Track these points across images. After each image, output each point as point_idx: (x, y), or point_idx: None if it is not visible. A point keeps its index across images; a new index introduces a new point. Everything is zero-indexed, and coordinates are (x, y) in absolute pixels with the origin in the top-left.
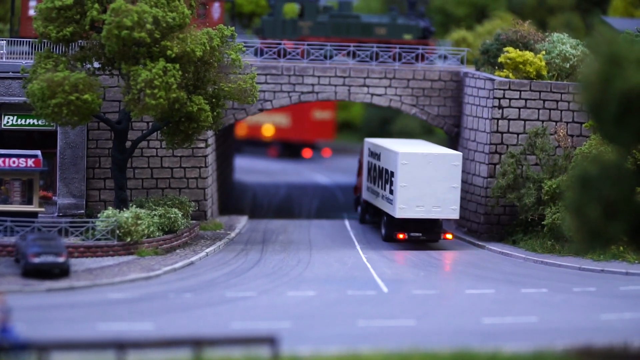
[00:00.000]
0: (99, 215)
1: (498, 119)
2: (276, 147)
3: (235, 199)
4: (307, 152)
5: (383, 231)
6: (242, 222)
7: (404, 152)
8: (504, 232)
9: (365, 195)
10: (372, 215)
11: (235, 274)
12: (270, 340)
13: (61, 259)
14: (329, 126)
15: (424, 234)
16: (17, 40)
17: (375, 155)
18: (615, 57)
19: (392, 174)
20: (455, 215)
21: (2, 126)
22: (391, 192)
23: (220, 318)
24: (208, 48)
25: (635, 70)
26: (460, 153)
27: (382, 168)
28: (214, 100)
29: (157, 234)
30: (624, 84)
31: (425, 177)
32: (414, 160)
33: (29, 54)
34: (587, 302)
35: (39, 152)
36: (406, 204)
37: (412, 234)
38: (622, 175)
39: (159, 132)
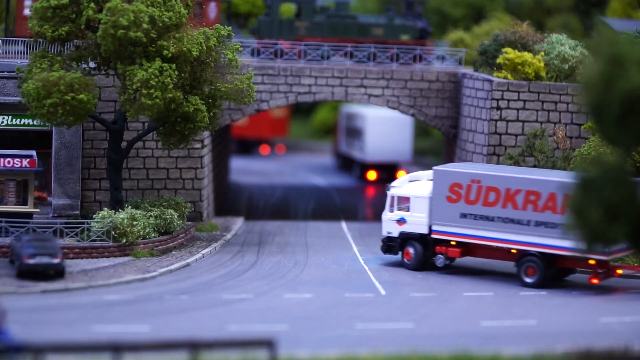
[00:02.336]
0: (94, 216)
1: (496, 121)
2: (232, 144)
3: (231, 200)
4: (264, 149)
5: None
6: (238, 223)
7: (372, 115)
8: None
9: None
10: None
11: (232, 276)
12: (267, 343)
13: (56, 260)
14: (284, 124)
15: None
16: (12, 40)
17: (350, 119)
18: (618, 58)
19: (362, 131)
20: (407, 159)
21: None
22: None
23: (216, 320)
24: (204, 48)
25: (637, 72)
26: (409, 117)
27: (355, 128)
28: (210, 100)
29: (153, 235)
30: (626, 85)
31: (385, 133)
32: (377, 121)
33: (24, 53)
34: (587, 305)
35: (34, 153)
36: (373, 151)
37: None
38: (623, 177)
39: (154, 132)
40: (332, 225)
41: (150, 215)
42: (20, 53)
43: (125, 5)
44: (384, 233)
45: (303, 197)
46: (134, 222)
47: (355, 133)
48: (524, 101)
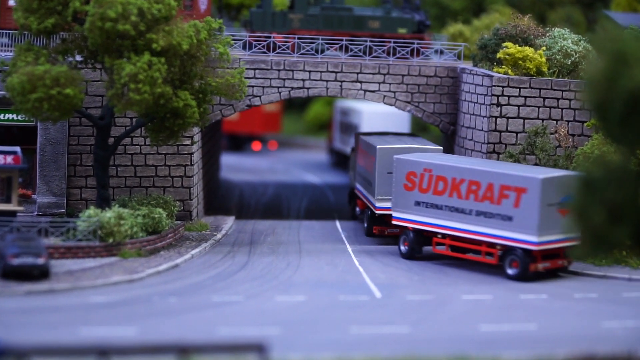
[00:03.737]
0: (80, 214)
1: (496, 117)
2: (224, 140)
3: (221, 199)
4: (256, 145)
5: None
6: (228, 222)
7: (367, 111)
8: None
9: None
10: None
11: (222, 277)
12: (258, 347)
13: (41, 261)
14: (276, 119)
15: None
16: None
17: (345, 114)
18: (622, 54)
19: (357, 127)
20: None
21: None
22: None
23: (206, 323)
24: (195, 41)
25: None
26: (406, 113)
27: (350, 124)
28: (200, 95)
29: (141, 234)
30: (630, 83)
31: (381, 129)
32: (373, 117)
33: (8, 46)
34: (589, 309)
35: (18, 149)
36: None
37: None
38: (627, 177)
39: (143, 128)
40: (326, 224)
41: (138, 214)
42: (5, 46)
43: None
44: None
45: (296, 196)
46: (121, 222)
47: (350, 129)
48: (525, 97)
